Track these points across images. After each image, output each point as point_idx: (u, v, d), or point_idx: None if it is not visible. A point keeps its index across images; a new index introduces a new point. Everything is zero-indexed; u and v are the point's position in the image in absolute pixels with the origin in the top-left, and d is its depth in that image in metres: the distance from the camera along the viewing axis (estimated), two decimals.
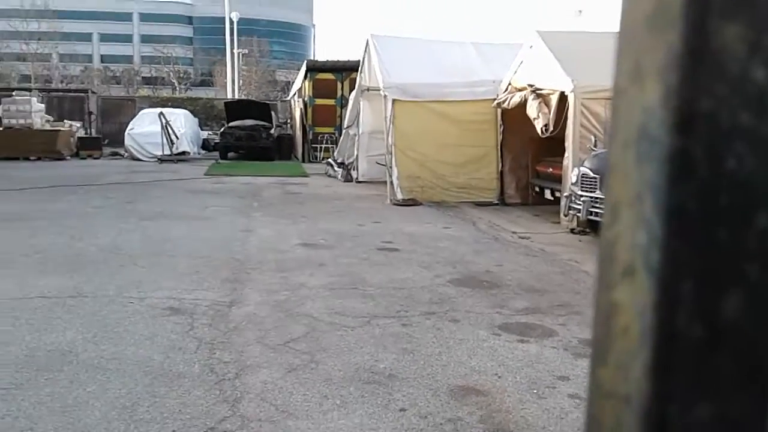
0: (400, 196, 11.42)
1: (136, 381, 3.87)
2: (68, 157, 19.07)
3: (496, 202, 11.48)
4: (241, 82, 50.33)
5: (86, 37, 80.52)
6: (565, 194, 8.45)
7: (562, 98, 9.21)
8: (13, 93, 21.02)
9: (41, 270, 6.36)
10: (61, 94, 25.60)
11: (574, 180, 8.20)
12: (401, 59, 12.26)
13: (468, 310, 5.40)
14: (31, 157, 18.10)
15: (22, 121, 18.77)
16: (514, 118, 10.99)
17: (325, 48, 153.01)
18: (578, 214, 8.09)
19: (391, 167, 11.67)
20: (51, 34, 61.64)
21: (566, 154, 9.00)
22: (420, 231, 8.96)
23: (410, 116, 11.66)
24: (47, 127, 19.63)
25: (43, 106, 20.42)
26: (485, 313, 5.30)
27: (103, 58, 78.30)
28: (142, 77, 65.09)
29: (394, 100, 11.68)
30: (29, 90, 24.03)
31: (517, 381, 4.02)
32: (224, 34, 46.23)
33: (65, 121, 20.88)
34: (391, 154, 11.69)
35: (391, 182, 11.59)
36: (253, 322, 5.02)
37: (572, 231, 8.63)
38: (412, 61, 12.24)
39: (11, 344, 4.41)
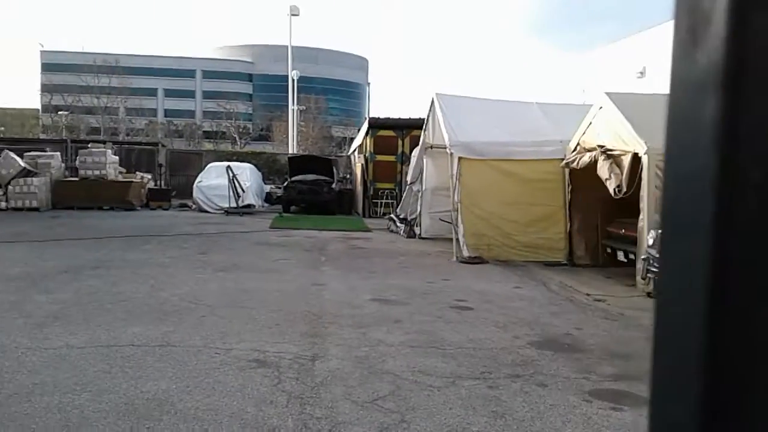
0: (466, 253, 11.40)
1: None
2: (138, 208, 19.77)
3: (565, 262, 11.34)
4: (299, 137, 51.60)
5: (152, 92, 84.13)
6: (642, 257, 8.30)
7: (635, 159, 9.15)
8: (89, 145, 22.04)
9: (127, 319, 6.55)
10: (132, 146, 26.70)
11: (651, 242, 8.07)
12: (466, 118, 12.43)
13: (554, 374, 5.31)
14: (104, 207, 18.82)
15: (97, 172, 19.62)
16: (582, 178, 10.95)
17: (379, 105, 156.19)
18: (656, 278, 7.91)
19: (457, 224, 11.70)
20: (120, 89, 64.80)
21: (641, 216, 8.88)
22: (491, 289, 8.90)
23: (476, 174, 11.74)
24: (120, 178, 20.46)
25: (116, 158, 21.34)
26: (572, 378, 5.20)
27: (167, 113, 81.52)
28: (203, 131, 67.37)
29: (460, 158, 11.80)
30: (104, 142, 25.16)
31: None
32: (283, 91, 47.83)
33: (137, 172, 21.72)
34: (457, 211, 11.75)
35: (457, 239, 11.60)
36: (338, 377, 5.05)
37: (649, 295, 8.44)
38: (478, 119, 12.40)
39: (110, 392, 4.53)
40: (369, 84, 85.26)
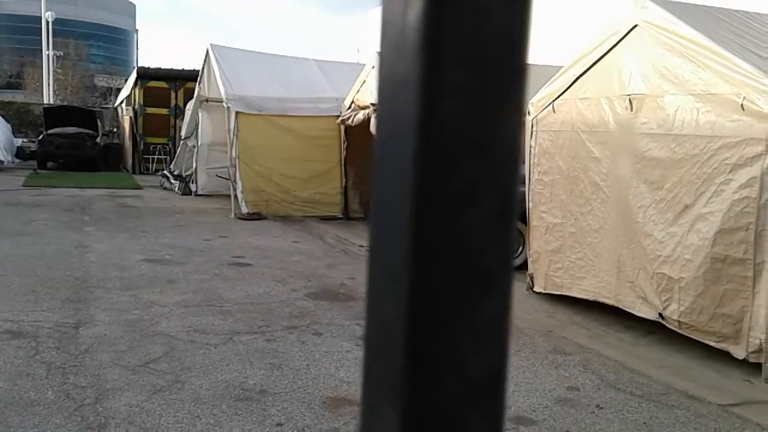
0: (245, 210, 11.27)
1: None
2: None
3: (341, 216, 11.72)
4: (56, 86, 46.58)
5: None
6: None
7: None
8: None
9: None
10: None
11: None
12: (244, 71, 12.14)
13: (328, 322, 5.51)
14: None
15: None
16: (357, 135, 11.32)
17: (149, 55, 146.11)
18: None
19: (235, 181, 11.49)
20: None
21: None
22: (269, 245, 8.93)
23: (254, 129, 11.57)
24: None
25: None
26: (345, 325, 5.44)
27: None
28: None
29: (237, 113, 11.53)
30: None
31: None
32: (36, 34, 42.66)
33: None
34: (235, 167, 11.52)
35: (236, 196, 11.41)
36: (106, 343, 4.76)
37: None
38: (255, 74, 12.17)
39: None
40: (137, 31, 79.22)
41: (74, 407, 3.71)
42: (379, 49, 0.37)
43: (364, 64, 11.54)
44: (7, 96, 42.16)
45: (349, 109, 11.37)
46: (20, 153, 20.62)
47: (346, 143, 11.96)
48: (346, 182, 12.02)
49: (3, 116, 20.86)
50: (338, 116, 11.63)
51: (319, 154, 11.88)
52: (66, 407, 3.70)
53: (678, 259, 5.00)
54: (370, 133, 10.38)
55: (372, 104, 10.49)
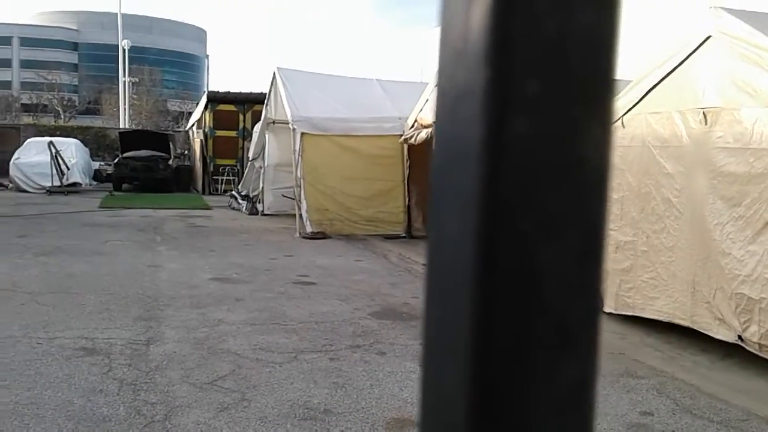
0: (309, 229, 11.41)
1: (60, 427, 3.65)
2: None
3: (404, 235, 11.70)
4: (131, 111, 48.64)
5: None
6: None
7: None
8: None
9: None
10: None
11: None
12: (309, 93, 12.36)
13: (392, 342, 5.48)
14: None
15: None
16: (420, 153, 11.33)
17: (219, 79, 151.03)
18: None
19: (300, 200, 11.66)
20: None
21: None
22: (333, 264, 8.99)
23: (319, 150, 11.74)
24: None
25: None
26: (409, 345, 5.39)
27: None
28: (22, 104, 61.41)
29: (302, 134, 11.72)
30: None
31: None
32: (113, 62, 44.71)
33: None
34: (300, 187, 11.70)
35: (300, 215, 11.57)
36: (175, 360, 4.87)
37: None
38: (320, 95, 12.37)
39: None
40: (208, 56, 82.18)
41: (144, 423, 3.79)
42: (438, 58, 0.32)
43: (427, 83, 11.55)
44: (86, 121, 44.27)
45: (411, 128, 11.40)
46: (97, 176, 21.54)
47: (409, 162, 11.98)
48: (409, 201, 12.01)
49: (81, 141, 21.88)
50: (401, 135, 11.67)
51: (382, 173, 11.93)
52: (137, 423, 3.78)
53: (758, 279, 4.74)
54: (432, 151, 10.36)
55: (435, 122, 10.49)
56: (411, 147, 11.64)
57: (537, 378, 0.29)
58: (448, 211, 0.30)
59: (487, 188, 0.28)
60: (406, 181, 12.06)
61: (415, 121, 11.36)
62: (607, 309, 6.27)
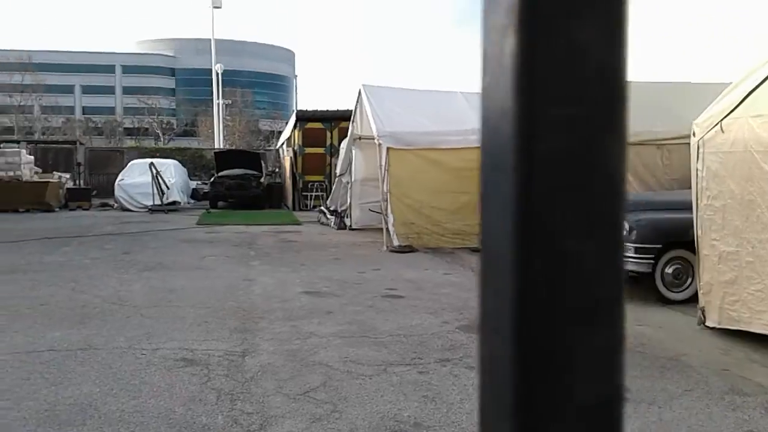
0: (396, 242, 11.49)
1: None
2: (57, 209, 18.97)
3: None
4: (225, 131, 50.65)
5: (68, 89, 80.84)
6: None
7: None
8: (1, 145, 20.99)
9: (48, 323, 6.29)
10: (49, 145, 25.57)
11: None
12: (393, 108, 12.49)
13: None
14: (20, 209, 17.97)
15: (11, 173, 18.70)
16: None
17: (307, 98, 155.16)
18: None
19: (386, 214, 11.77)
20: (34, 86, 61.87)
21: None
22: (421, 277, 9.01)
23: (404, 164, 11.82)
24: (36, 178, 19.58)
25: (31, 158, 20.39)
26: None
27: (85, 110, 78.40)
28: (125, 128, 65.18)
29: (388, 148, 11.85)
30: (18, 142, 24.00)
31: None
32: (207, 85, 46.75)
33: (54, 172, 20.83)
34: (387, 201, 11.81)
35: (387, 229, 11.67)
36: (269, 371, 5.01)
37: None
38: (404, 109, 12.48)
39: (28, 399, 4.35)
40: (296, 76, 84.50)
41: None
42: (480, 82, 0.37)
43: None
44: (183, 143, 46.45)
45: None
46: (195, 194, 22.55)
47: None
48: None
49: (180, 161, 22.99)
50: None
51: (469, 185, 11.86)
52: None
53: None
54: None
55: None
56: None
57: (569, 348, 0.34)
58: (493, 211, 0.36)
59: (521, 193, 0.33)
60: None
61: None
62: (710, 323, 5.97)
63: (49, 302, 7.19)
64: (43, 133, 55.23)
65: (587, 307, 0.34)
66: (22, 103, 59.76)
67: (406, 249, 11.33)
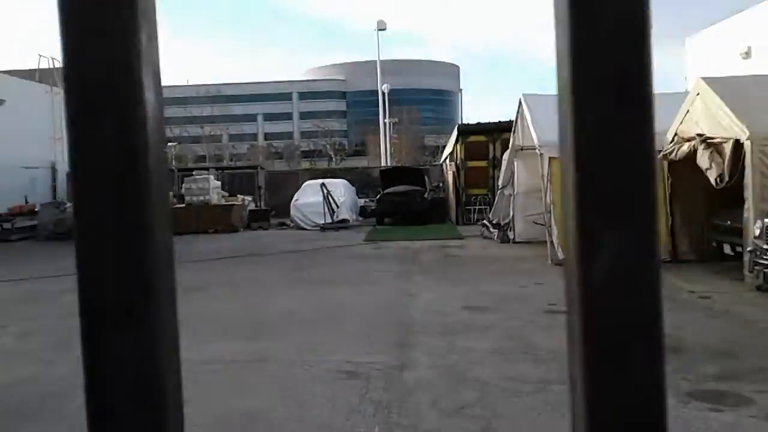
0: (561, 255, 11.11)
1: None
2: (241, 229, 20.60)
3: (668, 258, 10.81)
4: (392, 149, 52.13)
5: (252, 117, 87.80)
6: (749, 249, 7.80)
7: (737, 146, 8.64)
8: (193, 173, 23.23)
9: (225, 335, 6.85)
10: (233, 171, 27.91)
11: (757, 233, 7.57)
12: (555, 117, 12.13)
13: None
14: (209, 230, 19.75)
15: (201, 198, 20.64)
16: (682, 169, 10.43)
17: (471, 111, 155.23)
18: (766, 270, 7.42)
19: (550, 226, 11.44)
20: (222, 117, 68.07)
21: (746, 205, 8.36)
22: None
23: None
24: (223, 202, 21.42)
25: (218, 183, 22.35)
26: (670, 380, 4.95)
27: (267, 136, 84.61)
28: (302, 151, 69.40)
29: (550, 158, 11.53)
30: (207, 169, 26.45)
31: None
32: (376, 106, 48.38)
33: (238, 195, 22.67)
34: (550, 212, 11.48)
35: (551, 242, 11.33)
36: (426, 386, 5.07)
37: (758, 288, 7.91)
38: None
39: (206, 406, 4.76)
40: (461, 90, 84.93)
41: None
42: (556, 85, 0.42)
43: (687, 92, 10.67)
44: (353, 162, 48.48)
45: (671, 142, 10.58)
46: (362, 211, 23.39)
47: (670, 179, 11.09)
48: (672, 221, 11.08)
49: (348, 180, 23.99)
50: (659, 151, 10.88)
51: None
52: None
53: None
54: (697, 166, 9.48)
55: (698, 135, 9.62)
56: (672, 163, 10.78)
57: (620, 307, 0.40)
58: (565, 203, 0.41)
59: (577, 185, 0.39)
60: (667, 201, 11.17)
61: (675, 134, 10.53)
62: None
63: (228, 317, 7.83)
64: (231, 159, 60.38)
65: (627, 273, 0.41)
66: (212, 133, 65.93)
67: None
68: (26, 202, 20.18)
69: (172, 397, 0.39)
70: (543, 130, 11.92)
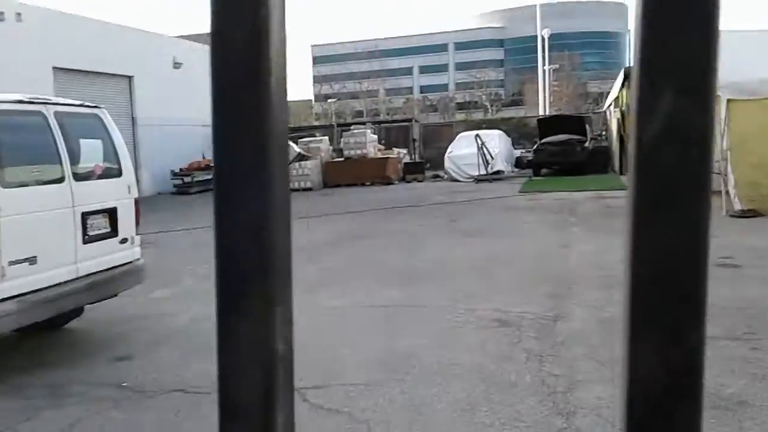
0: (738, 206, 10.24)
1: (473, 386, 4.11)
2: (396, 182, 21.04)
3: None
4: (552, 98, 50.25)
5: (408, 71, 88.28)
6: None
7: None
8: (352, 127, 23.96)
9: (382, 282, 7.11)
10: (389, 124, 28.41)
11: None
12: (733, 53, 11.04)
13: None
14: (366, 183, 20.37)
15: (358, 152, 21.28)
16: None
17: None
18: None
19: (725, 175, 10.54)
20: (379, 72, 69.13)
21: None
22: (765, 246, 7.93)
23: (749, 117, 10.41)
24: (379, 155, 21.95)
25: (375, 136, 22.89)
26: None
27: (422, 89, 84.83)
28: (457, 103, 68.87)
29: (728, 100, 10.55)
30: (364, 123, 27.14)
31: None
32: (535, 52, 46.70)
33: (393, 149, 23.10)
34: (726, 159, 10.56)
35: (726, 191, 10.45)
36: (580, 337, 4.97)
37: None
38: (747, 55, 10.96)
39: (366, 347, 5.02)
40: (629, 31, 79.38)
41: (547, 393, 3.99)
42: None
43: None
44: (510, 112, 47.37)
45: None
46: (518, 162, 22.92)
47: None
48: None
49: (504, 131, 23.54)
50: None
51: None
52: (540, 392, 4.01)
53: None
54: None
55: None
56: None
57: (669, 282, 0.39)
58: (630, 173, 0.41)
59: (640, 156, 0.40)
60: None
61: None
62: None
63: (385, 265, 8.10)
64: (387, 114, 61.37)
65: (684, 239, 0.39)
66: (369, 88, 67.27)
67: (749, 214, 10.04)
68: (203, 157, 21.92)
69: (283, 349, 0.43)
70: (721, 70, 10.87)
